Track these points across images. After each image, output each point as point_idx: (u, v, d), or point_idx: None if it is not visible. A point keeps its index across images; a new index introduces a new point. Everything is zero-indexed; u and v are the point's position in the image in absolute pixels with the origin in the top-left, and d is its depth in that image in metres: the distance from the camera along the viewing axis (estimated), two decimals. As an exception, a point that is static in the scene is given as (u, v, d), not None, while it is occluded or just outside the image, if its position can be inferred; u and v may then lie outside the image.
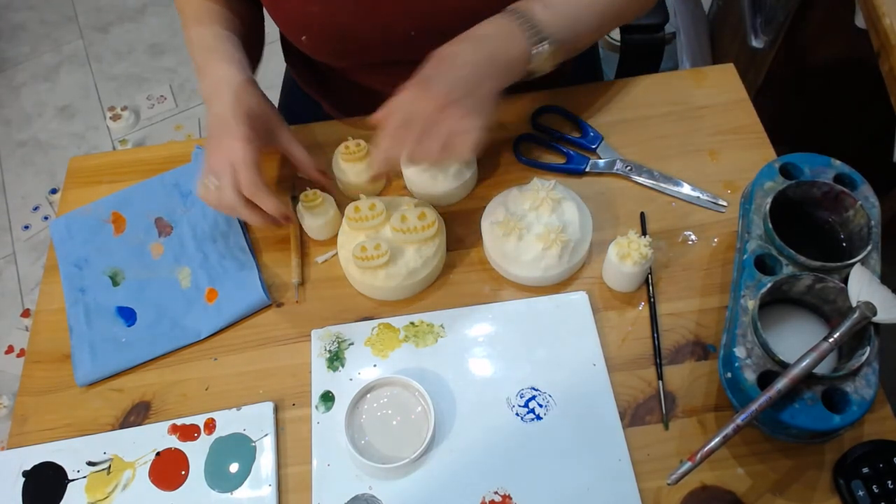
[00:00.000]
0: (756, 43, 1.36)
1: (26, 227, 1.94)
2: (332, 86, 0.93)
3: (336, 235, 0.76)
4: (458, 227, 0.77)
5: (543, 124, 0.83)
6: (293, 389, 0.68)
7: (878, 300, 0.58)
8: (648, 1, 0.79)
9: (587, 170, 0.79)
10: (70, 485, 0.65)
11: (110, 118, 2.10)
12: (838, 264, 0.61)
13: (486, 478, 0.62)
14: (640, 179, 0.78)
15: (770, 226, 0.63)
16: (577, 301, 0.70)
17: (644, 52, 0.96)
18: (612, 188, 0.78)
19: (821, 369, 0.55)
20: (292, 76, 1.02)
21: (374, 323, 0.71)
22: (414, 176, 0.76)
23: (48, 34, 2.37)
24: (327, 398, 0.67)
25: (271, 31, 0.86)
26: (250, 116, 0.70)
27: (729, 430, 0.54)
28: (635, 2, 0.77)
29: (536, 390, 0.66)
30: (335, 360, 0.69)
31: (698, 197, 0.76)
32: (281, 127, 0.76)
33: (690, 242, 0.74)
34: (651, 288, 0.71)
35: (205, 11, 0.78)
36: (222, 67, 0.73)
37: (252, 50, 0.82)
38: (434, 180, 0.75)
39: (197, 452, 0.65)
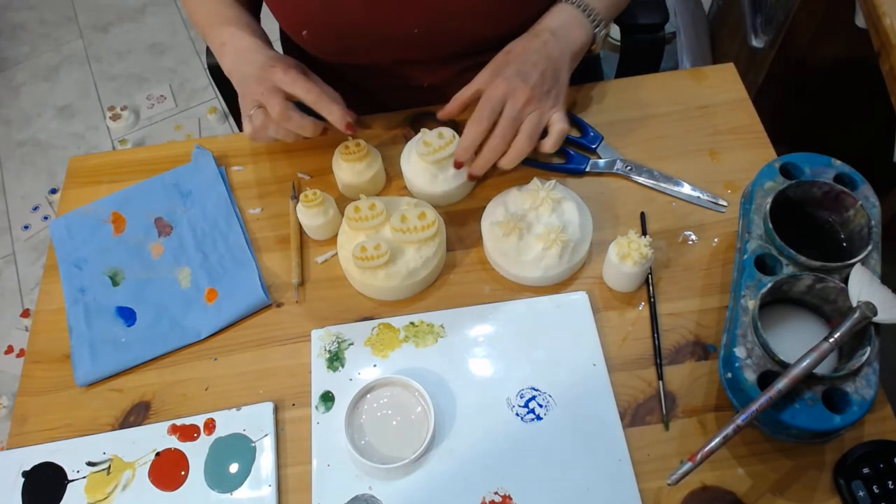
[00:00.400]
0: (756, 43, 1.36)
1: (26, 227, 1.94)
2: (331, 85, 0.93)
3: (336, 235, 0.76)
4: (458, 227, 0.77)
5: (544, 159, 0.82)
6: (293, 389, 0.68)
7: (878, 300, 0.58)
8: None
9: (587, 170, 0.79)
10: (70, 485, 0.65)
11: (110, 118, 2.10)
12: (838, 264, 0.61)
13: (486, 478, 0.62)
14: (640, 179, 0.78)
15: (770, 226, 0.63)
16: (577, 301, 0.70)
17: (644, 52, 0.96)
18: (612, 188, 0.78)
19: (821, 369, 0.55)
20: None
21: (374, 323, 0.71)
22: (413, 176, 0.76)
23: (48, 34, 2.37)
24: (327, 398, 0.67)
25: (271, 29, 0.86)
26: (280, 57, 0.73)
27: (729, 430, 0.54)
28: None
29: (536, 390, 0.66)
30: (335, 360, 0.69)
31: (698, 197, 0.76)
32: (307, 70, 0.76)
33: (690, 242, 0.74)
34: (651, 288, 0.71)
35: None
36: (246, 38, 0.76)
37: None
38: (434, 180, 0.75)
39: (197, 452, 0.65)
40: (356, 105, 0.82)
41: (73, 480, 0.65)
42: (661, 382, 0.66)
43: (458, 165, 0.73)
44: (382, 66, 0.85)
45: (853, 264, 0.61)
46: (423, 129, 0.75)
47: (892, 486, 0.58)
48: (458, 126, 0.84)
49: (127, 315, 0.74)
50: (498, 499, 0.61)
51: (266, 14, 0.86)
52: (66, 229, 0.80)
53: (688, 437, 0.63)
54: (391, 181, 0.80)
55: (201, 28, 0.82)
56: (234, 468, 0.64)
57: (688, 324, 0.69)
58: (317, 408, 0.66)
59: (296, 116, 0.72)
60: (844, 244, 0.66)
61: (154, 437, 0.66)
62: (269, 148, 0.84)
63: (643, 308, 0.70)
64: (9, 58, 2.32)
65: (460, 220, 0.77)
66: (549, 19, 0.75)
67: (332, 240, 0.76)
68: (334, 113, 0.71)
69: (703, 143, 0.80)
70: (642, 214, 0.76)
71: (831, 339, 0.55)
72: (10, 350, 1.73)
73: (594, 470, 0.62)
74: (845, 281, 0.60)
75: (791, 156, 0.68)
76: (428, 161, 0.74)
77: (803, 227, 0.66)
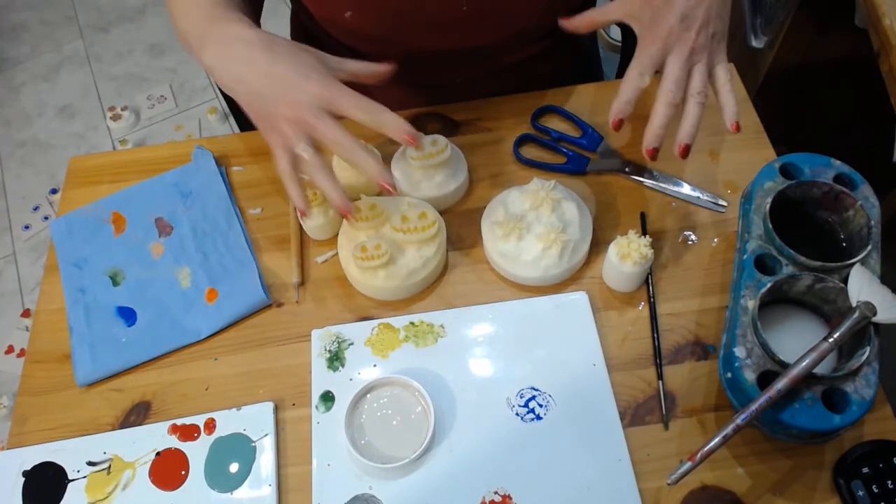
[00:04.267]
0: (756, 43, 1.36)
1: (26, 227, 1.94)
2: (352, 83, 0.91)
3: (336, 235, 0.76)
4: (458, 227, 0.77)
5: (543, 124, 0.83)
6: (293, 389, 0.68)
7: (878, 300, 0.58)
8: None
9: (587, 170, 0.79)
10: (70, 485, 0.65)
11: (110, 118, 2.11)
12: (838, 264, 0.61)
13: (486, 478, 0.62)
14: (640, 179, 0.78)
15: (770, 226, 0.63)
16: (577, 301, 0.70)
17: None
18: (612, 188, 0.78)
19: (821, 369, 0.55)
20: None
21: (374, 323, 0.71)
22: (399, 177, 0.76)
23: (48, 34, 2.37)
24: (327, 398, 0.67)
25: (273, 28, 0.86)
26: (293, 54, 0.62)
27: (729, 430, 0.54)
28: None
29: (536, 390, 0.66)
30: (335, 360, 0.69)
31: (698, 197, 0.76)
32: (325, 55, 0.67)
33: (690, 242, 0.74)
34: (651, 288, 0.71)
35: None
36: (234, 28, 0.65)
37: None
38: (418, 185, 0.75)
39: (197, 452, 0.65)
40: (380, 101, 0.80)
41: (73, 480, 0.65)
42: (660, 382, 0.66)
43: (650, 154, 0.65)
44: (417, 55, 0.82)
45: (853, 264, 0.61)
46: (419, 133, 0.76)
47: (891, 486, 0.58)
48: (459, 127, 0.84)
49: (127, 315, 0.74)
50: (498, 498, 0.61)
51: (268, 10, 0.84)
52: (66, 229, 0.80)
53: (687, 437, 0.63)
54: (391, 181, 0.80)
55: (184, 36, 0.71)
56: (234, 468, 0.64)
57: (687, 324, 0.69)
58: (317, 408, 0.66)
59: (364, 160, 0.62)
60: (844, 244, 0.66)
61: (154, 436, 0.66)
62: (270, 148, 0.84)
63: (643, 308, 0.70)
64: (9, 58, 2.32)
65: (460, 220, 0.77)
66: None
67: (332, 240, 0.76)
68: (394, 125, 0.63)
69: (703, 143, 0.80)
70: (642, 214, 0.76)
71: (831, 339, 0.55)
72: (10, 350, 1.73)
73: (594, 470, 0.62)
74: (845, 281, 0.60)
75: (791, 156, 0.68)
76: (415, 167, 0.74)
77: (803, 227, 0.66)
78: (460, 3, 0.74)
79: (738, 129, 0.65)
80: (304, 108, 0.61)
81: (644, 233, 0.74)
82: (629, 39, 1.07)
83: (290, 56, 0.63)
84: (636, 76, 0.65)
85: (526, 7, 0.76)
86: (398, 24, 0.77)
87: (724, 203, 0.75)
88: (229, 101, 0.98)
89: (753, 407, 0.54)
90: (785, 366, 0.56)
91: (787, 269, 0.62)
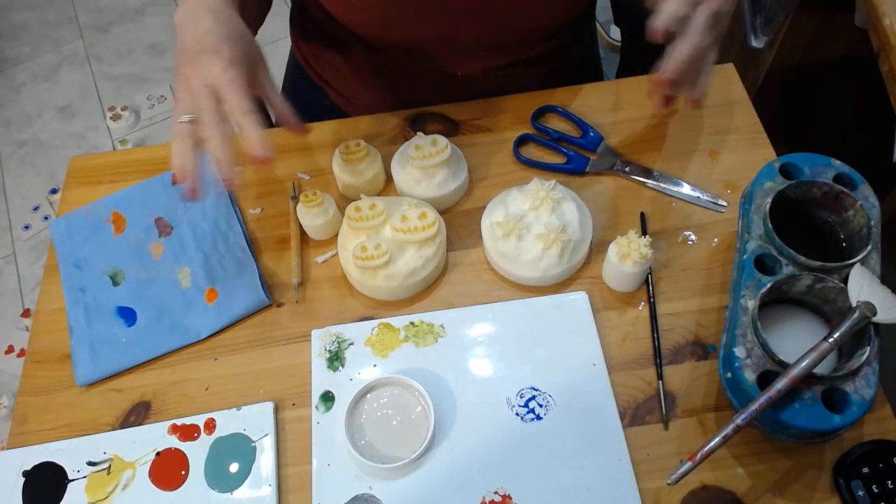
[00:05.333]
0: (756, 43, 1.36)
1: (26, 227, 1.94)
2: (354, 73, 0.91)
3: (336, 235, 0.76)
4: (458, 227, 0.77)
5: (543, 124, 0.83)
6: (293, 389, 0.68)
7: (878, 300, 0.58)
8: None
9: (587, 170, 0.79)
10: (70, 485, 0.65)
11: (110, 118, 2.11)
12: (838, 264, 0.61)
13: (486, 478, 0.62)
14: (640, 179, 0.78)
15: (770, 226, 0.63)
16: (577, 301, 0.70)
17: (644, 52, 0.96)
18: (612, 188, 0.78)
19: (821, 369, 0.55)
20: (299, 63, 0.99)
21: (374, 323, 0.71)
22: (399, 177, 0.76)
23: (48, 34, 2.37)
24: (327, 398, 0.67)
25: (273, 29, 0.86)
26: (232, 38, 0.62)
27: (729, 430, 0.54)
28: None
29: (536, 390, 0.66)
30: (335, 360, 0.69)
31: (698, 197, 0.76)
32: (261, 62, 0.67)
33: (690, 242, 0.74)
34: (651, 288, 0.71)
35: None
36: None
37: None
38: (418, 185, 0.75)
39: (197, 452, 0.65)
40: (377, 99, 0.79)
41: (73, 480, 0.65)
42: (660, 382, 0.66)
43: (662, 85, 0.66)
44: (420, 46, 0.82)
45: (853, 264, 0.61)
46: (418, 133, 0.76)
47: (891, 486, 0.58)
48: (459, 127, 0.84)
49: (127, 315, 0.74)
50: (498, 498, 0.61)
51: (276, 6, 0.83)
52: (66, 229, 0.80)
53: (687, 437, 0.63)
54: (391, 181, 0.80)
55: None
56: (234, 468, 0.64)
57: (687, 324, 0.69)
58: (317, 408, 0.66)
59: (220, 150, 0.60)
60: (844, 244, 0.66)
61: (154, 436, 0.66)
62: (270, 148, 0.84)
63: (643, 308, 0.70)
64: (9, 58, 2.32)
65: (460, 220, 0.77)
66: None
67: (332, 240, 0.76)
68: (255, 142, 0.61)
69: (703, 143, 0.80)
70: (642, 214, 0.76)
71: (831, 339, 0.55)
72: (10, 350, 1.73)
73: (594, 469, 0.62)
74: (845, 281, 0.60)
75: (791, 156, 0.68)
76: (416, 166, 0.74)
77: (803, 227, 0.66)
78: None
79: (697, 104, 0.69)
80: (198, 79, 0.61)
81: (644, 233, 0.74)
82: (629, 39, 1.07)
83: (229, 36, 0.62)
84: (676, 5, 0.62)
85: (537, 1, 0.75)
86: (400, 11, 0.76)
87: (724, 203, 0.75)
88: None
89: (753, 407, 0.54)
90: (785, 366, 0.56)
91: (787, 269, 0.62)
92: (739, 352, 0.58)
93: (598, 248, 0.74)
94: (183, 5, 0.65)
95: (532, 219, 0.72)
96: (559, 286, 0.72)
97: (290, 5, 0.94)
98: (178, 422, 0.67)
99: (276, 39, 0.95)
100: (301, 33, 0.95)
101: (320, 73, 0.96)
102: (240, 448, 0.65)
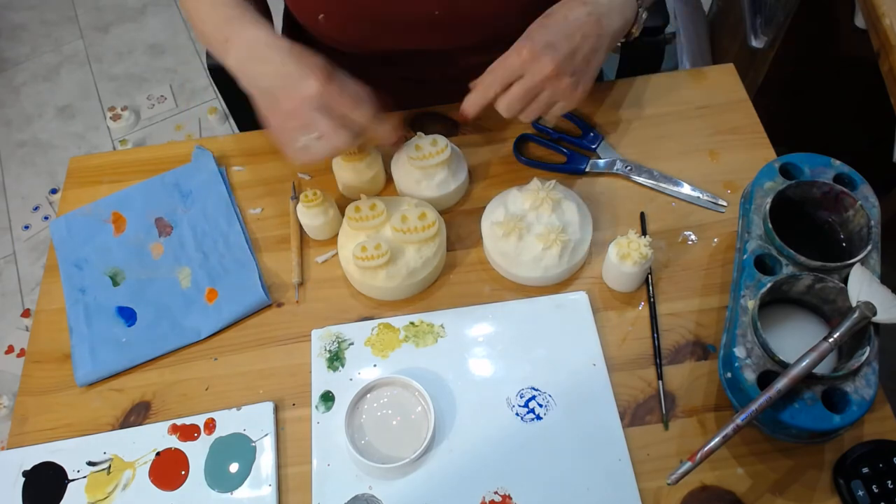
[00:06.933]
0: (756, 43, 1.36)
1: (26, 227, 1.94)
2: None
3: (336, 235, 0.76)
4: (458, 227, 0.77)
5: (543, 124, 0.83)
6: (293, 389, 0.68)
7: (878, 300, 0.58)
8: None
9: (587, 170, 0.79)
10: (70, 485, 0.65)
11: (110, 118, 2.11)
12: (838, 264, 0.61)
13: (486, 478, 0.62)
14: (640, 179, 0.78)
15: (770, 226, 0.63)
16: (577, 301, 0.70)
17: (644, 52, 0.96)
18: (612, 188, 0.78)
19: (821, 369, 0.55)
20: None
21: (374, 323, 0.71)
22: (399, 177, 0.76)
23: (48, 34, 2.37)
24: (327, 398, 0.67)
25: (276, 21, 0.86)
26: (304, 56, 0.64)
27: (729, 430, 0.54)
28: None
29: (536, 390, 0.66)
30: (335, 360, 0.69)
31: (698, 197, 0.76)
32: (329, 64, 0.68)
33: (690, 242, 0.74)
34: (651, 288, 0.71)
35: None
36: (253, 30, 0.67)
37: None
38: (418, 185, 0.75)
39: (197, 452, 0.65)
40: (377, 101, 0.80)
41: (73, 480, 0.65)
42: (660, 382, 0.66)
43: (462, 118, 0.71)
44: (398, 55, 0.83)
45: (853, 264, 0.61)
46: (419, 133, 0.76)
47: (891, 486, 0.58)
48: (459, 127, 0.84)
49: (127, 315, 0.74)
50: (498, 498, 0.61)
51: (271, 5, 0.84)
52: (66, 229, 0.80)
53: (687, 437, 0.63)
54: (391, 181, 0.80)
55: (205, 37, 0.74)
56: (234, 468, 0.64)
57: (687, 324, 0.69)
58: (317, 407, 0.66)
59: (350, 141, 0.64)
60: (844, 244, 0.66)
61: (154, 436, 0.66)
62: (269, 147, 0.84)
63: (643, 308, 0.70)
64: (9, 58, 2.32)
65: (460, 220, 0.77)
66: None
67: (332, 240, 0.76)
68: (386, 134, 0.67)
69: (703, 143, 0.80)
70: (642, 214, 0.76)
71: (831, 339, 0.55)
72: (10, 350, 1.73)
73: (594, 469, 0.62)
74: (845, 281, 0.60)
75: (791, 156, 0.68)
76: (415, 166, 0.74)
77: (803, 227, 0.66)
78: (432, 7, 0.75)
79: (467, 119, 0.71)
80: (305, 106, 0.63)
81: (644, 233, 0.74)
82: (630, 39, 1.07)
83: (300, 57, 0.64)
84: (483, 92, 0.69)
85: (499, 11, 0.76)
86: (371, 27, 0.78)
87: (724, 203, 0.76)
88: (229, 101, 0.98)
89: (753, 407, 0.54)
90: (785, 366, 0.56)
91: (787, 269, 0.62)
92: (739, 352, 0.58)
93: (598, 248, 0.74)
94: (233, 52, 0.67)
95: (532, 219, 0.72)
96: (559, 286, 0.72)
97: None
98: (178, 422, 0.67)
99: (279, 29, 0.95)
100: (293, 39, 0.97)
101: None
102: (240, 448, 0.65)
